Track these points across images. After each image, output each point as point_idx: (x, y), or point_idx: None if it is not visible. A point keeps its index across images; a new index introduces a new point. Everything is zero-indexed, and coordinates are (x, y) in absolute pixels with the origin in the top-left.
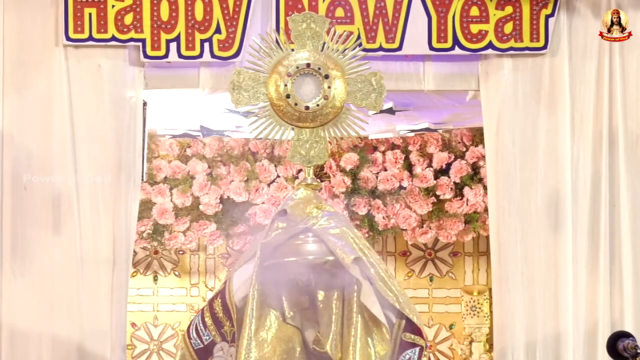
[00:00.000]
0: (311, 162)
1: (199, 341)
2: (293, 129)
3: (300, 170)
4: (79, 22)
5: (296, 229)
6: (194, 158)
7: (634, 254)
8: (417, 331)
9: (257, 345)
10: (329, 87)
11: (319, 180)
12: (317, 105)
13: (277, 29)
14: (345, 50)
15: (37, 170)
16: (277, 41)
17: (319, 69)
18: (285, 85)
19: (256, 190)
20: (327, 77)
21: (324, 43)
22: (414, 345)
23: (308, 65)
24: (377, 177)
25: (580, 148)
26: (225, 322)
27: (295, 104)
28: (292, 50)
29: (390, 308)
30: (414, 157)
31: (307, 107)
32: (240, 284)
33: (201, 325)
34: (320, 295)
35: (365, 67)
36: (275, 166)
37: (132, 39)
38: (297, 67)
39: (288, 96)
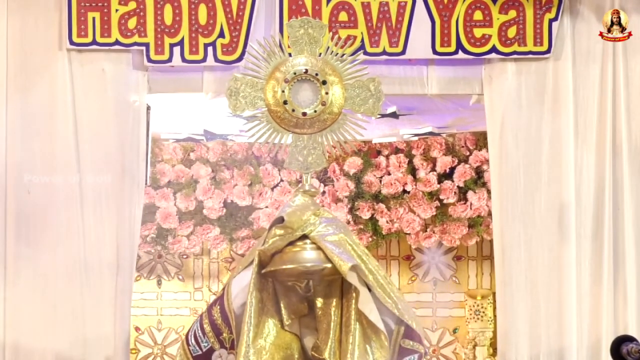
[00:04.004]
0: (309, 169)
1: (197, 348)
2: (291, 135)
3: None
4: (82, 26)
5: (294, 235)
6: (198, 162)
7: (637, 257)
8: (417, 337)
9: (255, 352)
10: (327, 93)
11: (317, 186)
12: (315, 111)
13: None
14: (343, 55)
15: (40, 174)
16: (280, 45)
17: (317, 74)
18: (283, 91)
19: (260, 194)
20: (324, 83)
21: (326, 48)
22: (413, 351)
23: (306, 71)
24: (380, 181)
25: (584, 152)
26: (224, 328)
27: (293, 110)
28: (290, 55)
29: (389, 315)
30: (417, 161)
31: (304, 114)
32: (238, 291)
33: (200, 331)
34: (319, 302)
35: (363, 72)
36: (279, 170)
37: (135, 43)
38: (295, 73)
39: (285, 102)
